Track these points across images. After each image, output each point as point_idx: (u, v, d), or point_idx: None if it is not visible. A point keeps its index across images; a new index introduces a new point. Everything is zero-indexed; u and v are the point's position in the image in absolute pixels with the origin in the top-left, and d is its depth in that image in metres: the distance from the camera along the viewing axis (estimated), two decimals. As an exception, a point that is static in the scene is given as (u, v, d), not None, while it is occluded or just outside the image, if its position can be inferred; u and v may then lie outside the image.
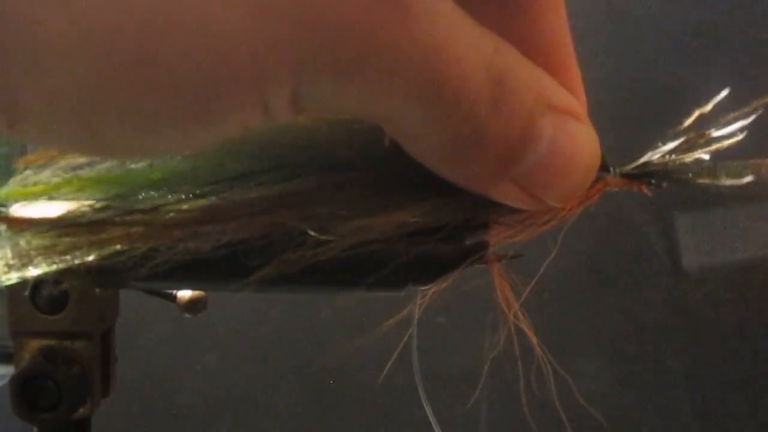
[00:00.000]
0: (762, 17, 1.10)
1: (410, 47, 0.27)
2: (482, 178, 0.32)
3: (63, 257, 0.34)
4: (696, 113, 0.38)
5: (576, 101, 0.33)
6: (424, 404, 0.46)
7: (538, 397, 0.47)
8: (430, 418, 0.46)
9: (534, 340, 0.40)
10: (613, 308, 1.13)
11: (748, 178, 0.37)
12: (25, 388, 0.42)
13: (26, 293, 0.42)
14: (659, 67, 1.11)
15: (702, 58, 1.12)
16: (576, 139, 0.32)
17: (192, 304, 0.56)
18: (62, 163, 0.37)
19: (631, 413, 1.16)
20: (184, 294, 0.56)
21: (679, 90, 1.02)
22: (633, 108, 1.10)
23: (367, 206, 0.35)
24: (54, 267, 0.33)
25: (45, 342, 0.43)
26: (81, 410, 0.44)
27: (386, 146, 0.35)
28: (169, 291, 0.55)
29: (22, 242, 0.33)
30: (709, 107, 0.39)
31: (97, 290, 0.43)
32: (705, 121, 0.38)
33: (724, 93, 0.38)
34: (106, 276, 0.40)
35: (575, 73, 0.35)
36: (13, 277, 0.33)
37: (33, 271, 0.33)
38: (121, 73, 0.26)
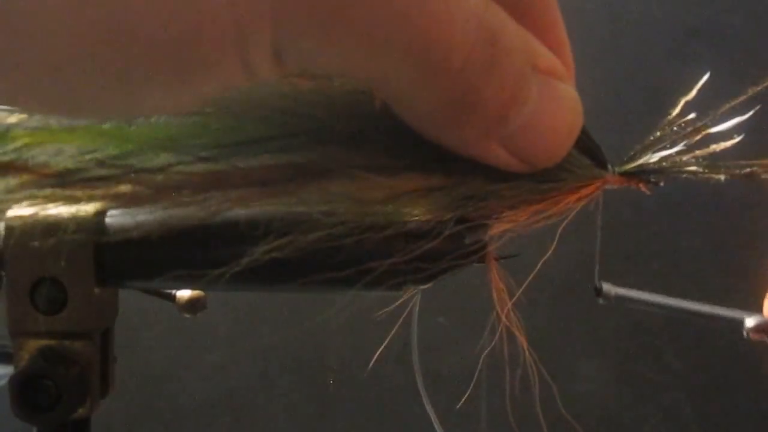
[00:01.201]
0: (762, 18, 1.10)
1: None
2: (472, 141, 0.32)
3: (65, 205, 0.34)
4: (682, 102, 0.39)
5: (559, 61, 0.33)
6: (425, 404, 0.46)
7: (538, 396, 0.47)
8: (431, 417, 0.46)
9: (523, 341, 0.40)
10: (612, 308, 1.13)
11: (745, 177, 0.37)
12: (24, 388, 0.42)
13: (26, 291, 0.42)
14: (659, 67, 1.11)
15: (702, 58, 1.12)
16: (560, 99, 0.32)
17: (192, 304, 0.56)
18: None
19: (631, 413, 1.16)
20: (184, 294, 0.56)
21: (678, 90, 1.02)
22: (632, 107, 1.10)
23: (371, 178, 0.35)
24: (50, 215, 0.33)
25: (44, 342, 0.43)
26: (80, 410, 0.44)
27: (376, 111, 0.34)
28: (169, 291, 0.55)
29: (20, 188, 0.33)
30: (693, 93, 0.39)
31: (97, 290, 0.43)
32: (702, 117, 0.38)
33: (706, 77, 0.38)
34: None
35: (560, 32, 0.35)
36: (4, 218, 0.33)
37: (27, 212, 0.33)
38: (96, 30, 0.25)
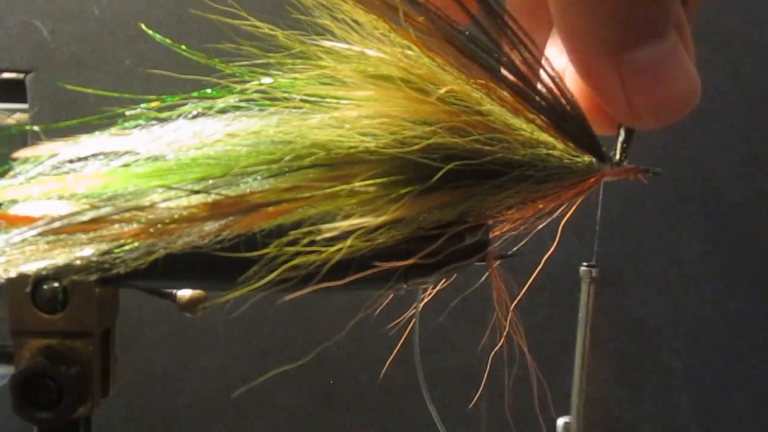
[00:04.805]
0: (762, 17, 1.10)
1: None
2: (596, 49, 0.31)
3: (62, 253, 0.34)
4: None
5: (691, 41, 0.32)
6: (428, 403, 0.46)
7: (537, 397, 0.47)
8: (434, 416, 0.46)
9: (522, 342, 0.40)
10: (613, 308, 1.13)
11: None
12: (25, 388, 0.42)
13: (27, 290, 0.42)
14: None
15: (701, 58, 1.11)
16: (685, 65, 0.31)
17: (192, 304, 0.56)
18: (58, 157, 0.37)
19: (631, 413, 1.16)
20: (184, 294, 0.56)
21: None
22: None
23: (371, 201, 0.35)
24: (53, 263, 0.33)
25: (45, 341, 0.43)
26: (81, 410, 0.44)
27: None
28: (169, 291, 0.55)
29: (22, 239, 0.33)
30: None
31: (97, 290, 0.43)
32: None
33: None
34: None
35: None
36: (13, 273, 0.33)
37: (33, 267, 0.33)
38: None
